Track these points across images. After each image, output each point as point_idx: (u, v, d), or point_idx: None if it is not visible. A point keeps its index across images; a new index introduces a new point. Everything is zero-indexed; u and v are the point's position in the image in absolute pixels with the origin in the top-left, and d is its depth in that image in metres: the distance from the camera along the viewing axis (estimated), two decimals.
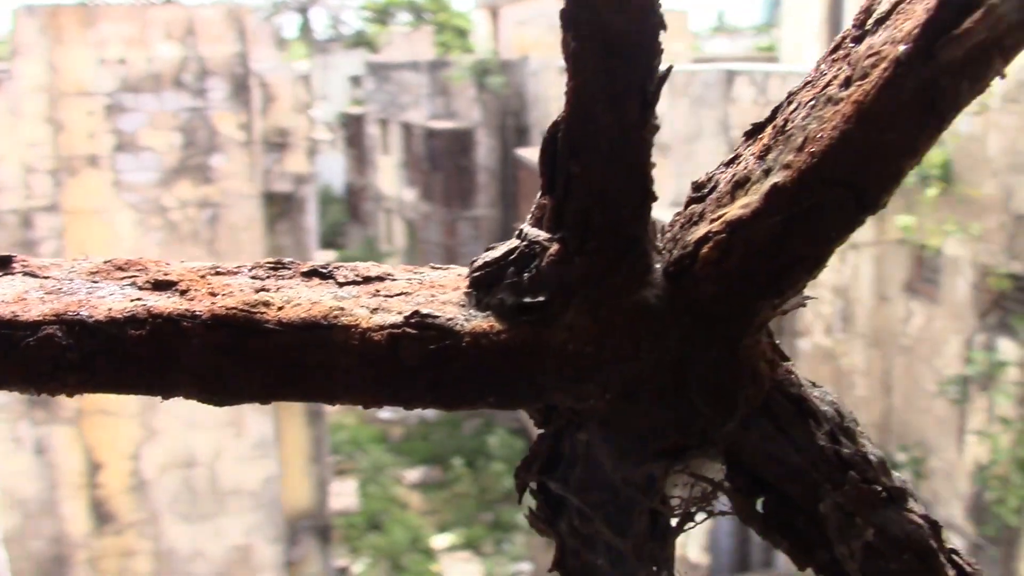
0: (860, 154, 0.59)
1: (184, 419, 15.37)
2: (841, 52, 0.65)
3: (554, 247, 0.60)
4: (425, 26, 39.69)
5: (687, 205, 0.65)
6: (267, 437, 16.02)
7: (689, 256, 0.58)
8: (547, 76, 25.43)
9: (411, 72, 30.60)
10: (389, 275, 0.74)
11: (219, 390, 0.70)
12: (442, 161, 28.79)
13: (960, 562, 0.63)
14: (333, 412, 29.38)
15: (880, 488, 0.60)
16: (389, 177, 33.80)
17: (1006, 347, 10.75)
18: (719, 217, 0.60)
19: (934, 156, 11.21)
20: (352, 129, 38.19)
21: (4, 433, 14.78)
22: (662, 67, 0.61)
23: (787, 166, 0.60)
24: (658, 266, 0.59)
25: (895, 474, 0.65)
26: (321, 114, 45.55)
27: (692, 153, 14.24)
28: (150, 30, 14.52)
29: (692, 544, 13.37)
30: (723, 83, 14.19)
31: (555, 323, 0.57)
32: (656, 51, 0.61)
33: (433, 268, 0.72)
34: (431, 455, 26.65)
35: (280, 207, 17.14)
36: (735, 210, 0.58)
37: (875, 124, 0.60)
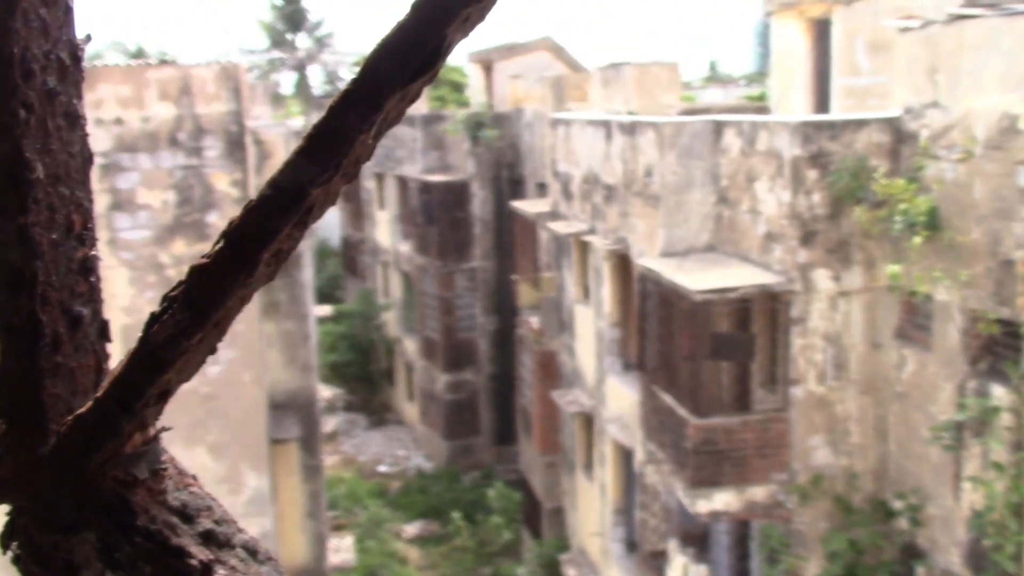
0: (126, 385, 0.97)
1: None
2: None
3: (4, 428, 1.02)
4: None
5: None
6: (262, 493, 15.96)
7: (58, 432, 0.99)
8: (541, 128, 25.66)
9: (406, 126, 30.87)
10: None
11: None
12: (437, 214, 28.96)
13: None
14: (331, 467, 29.25)
15: (163, 547, 0.99)
16: (385, 230, 33.97)
17: (998, 393, 10.77)
18: (74, 412, 1.01)
19: (921, 203, 11.33)
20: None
21: None
22: None
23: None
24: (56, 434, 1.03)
25: (245, 539, 1.04)
26: None
27: (682, 203, 14.36)
28: (146, 90, 14.70)
29: None
30: (711, 134, 14.36)
31: (2, 464, 1.01)
32: (33, 285, 0.99)
33: None
34: (430, 508, 26.51)
35: None
36: (81, 410, 0.99)
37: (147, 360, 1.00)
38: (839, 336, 12.77)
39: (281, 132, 17.42)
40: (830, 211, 12.58)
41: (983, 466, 10.96)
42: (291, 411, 17.67)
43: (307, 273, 17.83)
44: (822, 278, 12.66)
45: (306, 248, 17.62)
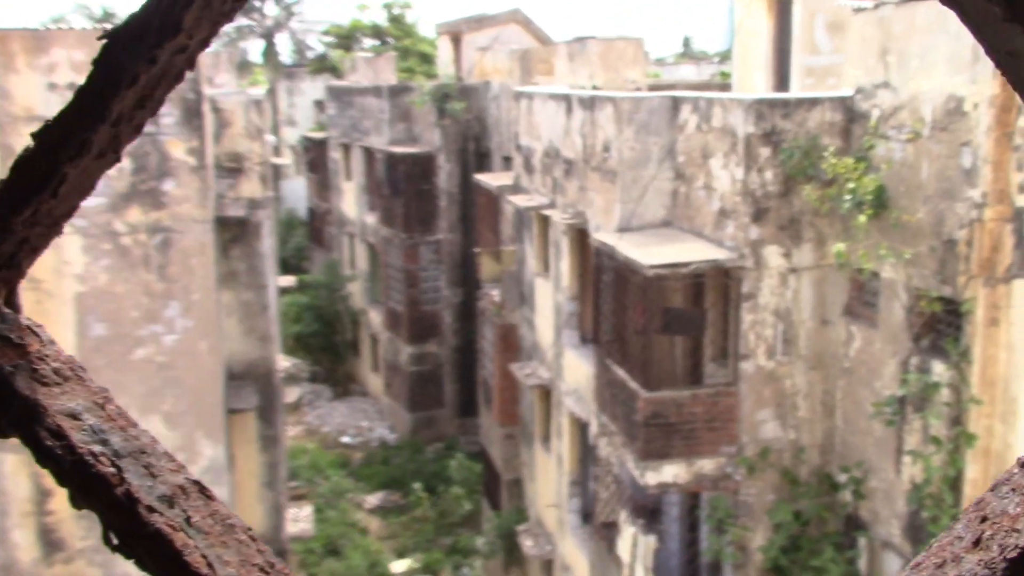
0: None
1: None
2: None
3: None
4: (389, 52, 39.88)
5: None
6: (218, 463, 15.98)
7: None
8: (507, 101, 25.64)
9: (373, 97, 30.75)
10: None
11: None
12: (403, 186, 28.91)
13: None
14: (294, 437, 29.28)
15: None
16: (351, 201, 33.87)
17: (939, 369, 10.97)
18: None
19: (868, 183, 11.48)
20: (315, 153, 38.24)
21: None
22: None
23: None
24: None
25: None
26: (286, 139, 45.60)
27: (638, 179, 14.44)
28: None
29: (639, 566, 13.47)
30: (669, 110, 14.43)
31: None
32: None
33: None
34: (391, 479, 26.63)
35: (234, 232, 17.17)
36: None
37: None
38: (789, 312, 12.94)
39: (240, 100, 17.31)
40: (782, 188, 12.71)
41: (923, 440, 11.18)
42: (249, 381, 17.68)
43: (266, 243, 17.79)
44: (773, 255, 12.80)
45: (265, 218, 17.57)
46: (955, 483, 10.58)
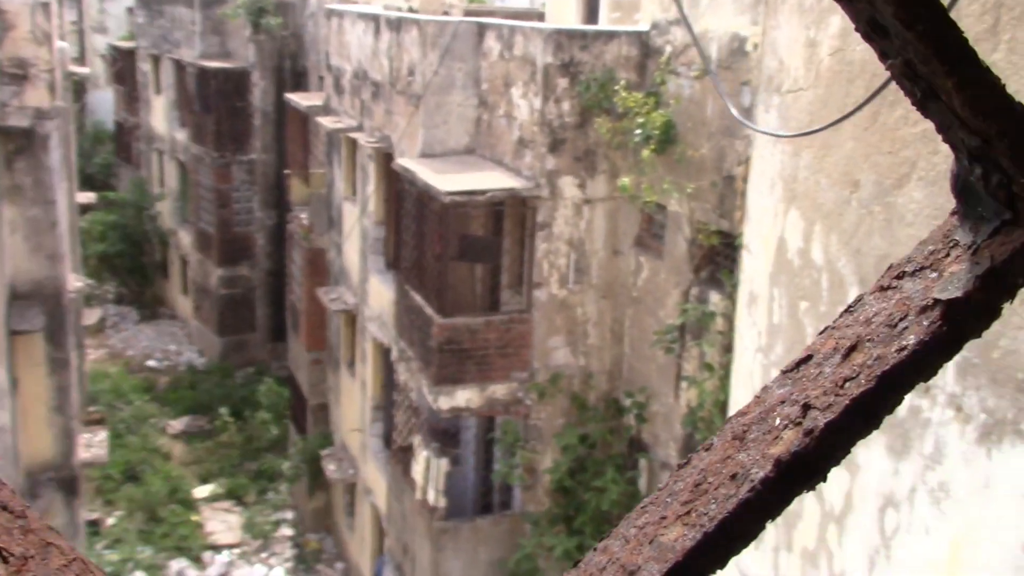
0: None
1: None
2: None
3: None
4: None
5: None
6: (0, 385, 15.23)
7: None
8: (324, 19, 24.93)
9: (184, 7, 29.35)
10: None
11: None
12: (215, 102, 27.85)
13: None
14: (95, 361, 28.20)
15: None
16: (161, 116, 32.43)
17: (715, 299, 11.49)
18: None
19: (656, 118, 11.77)
20: (123, 64, 36.30)
21: None
22: None
23: None
24: None
25: None
26: (96, 46, 43.10)
27: (442, 104, 14.37)
28: None
29: (431, 488, 13.70)
30: (474, 36, 14.35)
31: None
32: None
33: None
34: (198, 404, 26.06)
35: (18, 144, 16.18)
36: None
37: None
38: (582, 242, 13.23)
39: (25, 2, 16.18)
40: (579, 120, 12.89)
41: (699, 367, 11.72)
42: (36, 301, 16.85)
43: (55, 156, 16.85)
44: (568, 185, 13.02)
45: (54, 129, 16.60)
46: (724, 407, 11.15)
